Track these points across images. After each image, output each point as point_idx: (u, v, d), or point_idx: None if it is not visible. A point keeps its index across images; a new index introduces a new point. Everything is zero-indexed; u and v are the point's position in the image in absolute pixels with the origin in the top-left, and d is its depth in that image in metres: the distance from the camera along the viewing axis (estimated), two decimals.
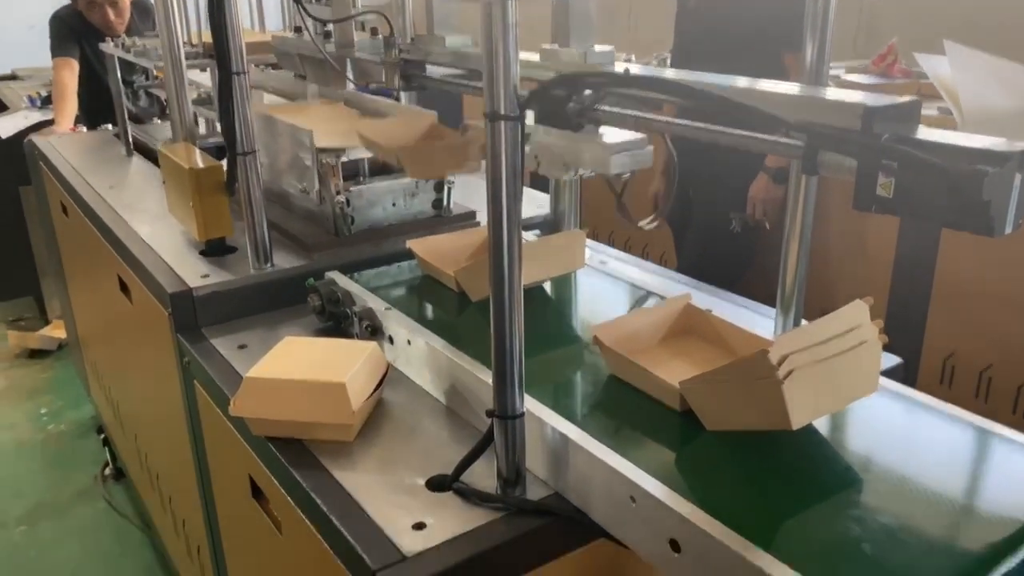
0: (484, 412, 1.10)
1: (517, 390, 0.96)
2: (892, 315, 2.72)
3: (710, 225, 2.85)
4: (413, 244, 1.51)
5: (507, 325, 0.93)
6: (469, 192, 1.84)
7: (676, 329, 1.18)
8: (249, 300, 1.53)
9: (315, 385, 1.10)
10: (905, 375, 1.26)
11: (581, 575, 1.02)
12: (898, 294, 2.70)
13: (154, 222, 1.83)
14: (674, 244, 3.14)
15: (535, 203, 1.90)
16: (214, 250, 1.64)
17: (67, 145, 2.66)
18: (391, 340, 1.32)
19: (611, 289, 1.52)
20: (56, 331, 3.96)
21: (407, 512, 0.99)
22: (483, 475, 1.03)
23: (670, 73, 1.01)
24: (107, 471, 2.97)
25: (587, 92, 0.97)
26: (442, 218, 1.72)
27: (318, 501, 1.02)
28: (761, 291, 3.05)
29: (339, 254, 1.61)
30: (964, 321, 2.54)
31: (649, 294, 1.47)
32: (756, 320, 1.39)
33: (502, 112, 0.85)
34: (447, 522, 0.97)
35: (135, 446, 2.25)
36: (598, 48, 1.14)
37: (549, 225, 1.77)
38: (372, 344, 1.21)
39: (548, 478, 1.03)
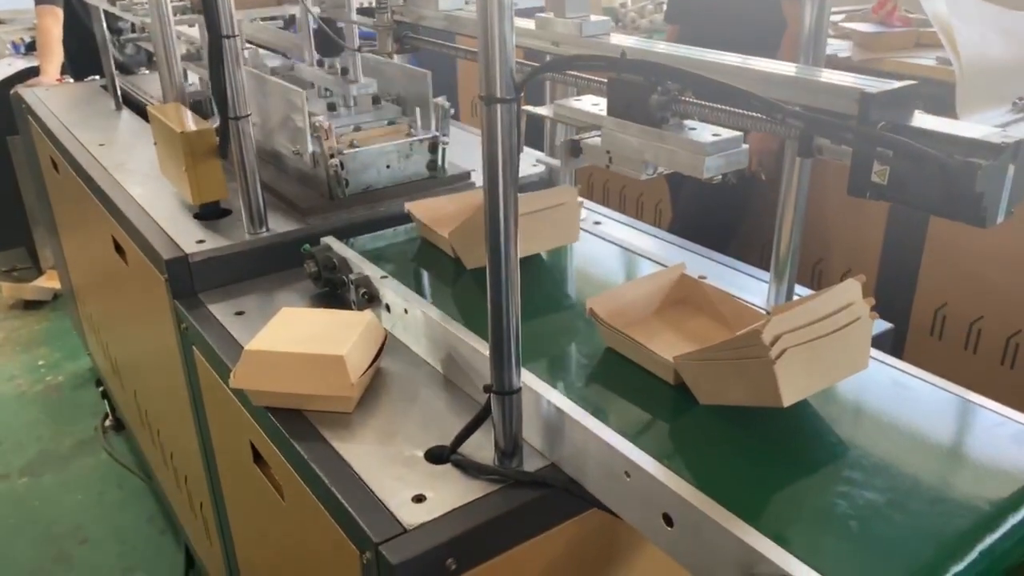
0: (481, 385, 1.12)
1: (514, 366, 0.98)
2: (884, 267, 2.75)
3: (700, 188, 2.85)
4: (412, 206, 1.51)
5: (504, 304, 0.94)
6: (463, 152, 1.83)
7: (671, 299, 1.19)
8: (244, 265, 1.53)
9: (314, 358, 1.11)
10: (895, 337, 1.28)
11: (575, 543, 1.05)
12: (891, 246, 2.72)
13: (146, 183, 1.82)
14: (670, 196, 3.14)
15: (528, 160, 1.89)
16: (208, 213, 1.63)
17: (54, 98, 2.63)
18: (388, 308, 1.33)
19: (606, 255, 1.52)
20: (50, 281, 3.96)
21: (406, 484, 1.01)
22: (480, 446, 1.05)
23: (665, 52, 0.99)
24: (107, 422, 3.01)
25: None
26: (437, 179, 1.72)
27: (319, 473, 1.04)
28: (757, 242, 3.07)
29: (333, 217, 1.61)
30: (955, 274, 2.56)
31: (642, 259, 1.48)
32: (750, 285, 1.41)
33: (498, 95, 0.85)
34: (446, 494, 1.00)
35: (135, 402, 2.27)
36: (593, 18, 1.13)
37: (546, 183, 1.76)
38: (369, 314, 1.22)
39: (544, 449, 1.06)
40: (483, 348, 1.13)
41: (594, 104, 1.11)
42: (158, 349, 1.76)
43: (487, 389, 1.00)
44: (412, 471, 1.04)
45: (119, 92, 2.46)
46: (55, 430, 3.04)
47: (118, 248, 1.85)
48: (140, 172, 1.90)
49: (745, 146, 0.98)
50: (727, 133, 0.97)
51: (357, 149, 1.61)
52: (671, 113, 0.99)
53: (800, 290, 1.30)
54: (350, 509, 0.98)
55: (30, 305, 3.92)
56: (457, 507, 0.98)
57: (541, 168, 1.84)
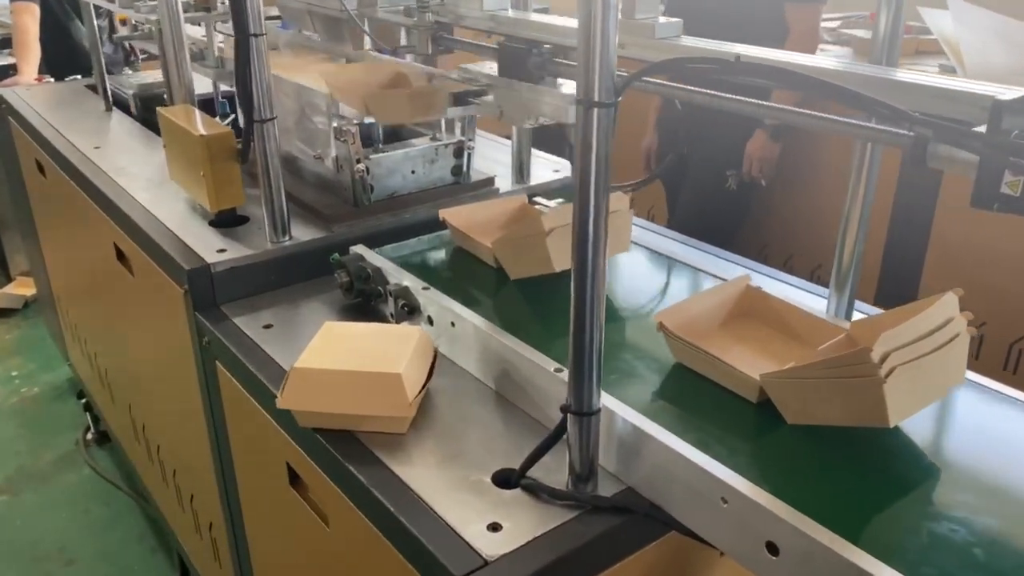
0: (541, 402, 1.07)
1: (595, 385, 0.92)
2: (886, 271, 2.74)
3: (705, 182, 2.82)
4: (446, 214, 1.45)
5: (588, 319, 0.89)
6: (480, 157, 1.78)
7: (737, 312, 1.15)
8: (268, 275, 1.46)
9: (369, 376, 1.05)
10: None
11: (654, 570, 1.00)
12: (894, 250, 2.72)
13: (153, 188, 1.74)
14: (666, 200, 3.11)
15: (551, 167, 1.85)
16: (224, 221, 1.56)
17: (38, 98, 2.51)
18: (430, 321, 1.27)
19: (642, 262, 1.48)
20: (20, 288, 3.81)
21: (477, 511, 0.95)
22: (548, 469, 1.00)
23: (774, 58, 0.95)
24: (90, 435, 2.89)
25: None
26: (461, 185, 1.66)
27: (382, 499, 0.97)
28: (754, 246, 3.06)
29: (359, 225, 1.55)
30: (959, 278, 2.56)
31: (683, 266, 1.43)
32: (801, 297, 1.37)
33: (597, 99, 0.79)
34: (522, 522, 0.94)
35: (128, 416, 2.17)
36: (662, 20, 1.08)
37: (570, 191, 1.71)
38: (419, 329, 1.16)
39: (619, 471, 1.00)
40: (545, 363, 1.07)
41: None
42: (167, 362, 1.67)
43: (565, 409, 0.94)
44: (481, 497, 0.98)
45: (110, 93, 2.36)
46: (34, 444, 2.91)
47: (120, 256, 1.76)
48: (143, 177, 1.81)
49: None
50: None
51: (383, 154, 1.55)
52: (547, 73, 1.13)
53: (820, 293, 1.26)
54: (422, 539, 0.92)
55: (0, 313, 3.77)
56: (536, 536, 0.92)
57: (560, 175, 1.80)
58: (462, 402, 1.15)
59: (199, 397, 1.50)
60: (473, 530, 0.92)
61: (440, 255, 1.49)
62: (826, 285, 1.26)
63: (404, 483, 1.00)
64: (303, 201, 1.60)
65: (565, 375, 1.04)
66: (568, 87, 1.24)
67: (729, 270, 1.49)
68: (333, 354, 1.10)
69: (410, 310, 1.30)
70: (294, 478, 1.22)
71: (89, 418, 2.90)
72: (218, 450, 1.51)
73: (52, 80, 3.08)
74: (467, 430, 1.09)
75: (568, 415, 0.94)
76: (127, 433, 2.28)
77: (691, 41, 1.09)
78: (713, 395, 1.04)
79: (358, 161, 1.50)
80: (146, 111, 2.24)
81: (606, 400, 1.00)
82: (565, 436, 0.96)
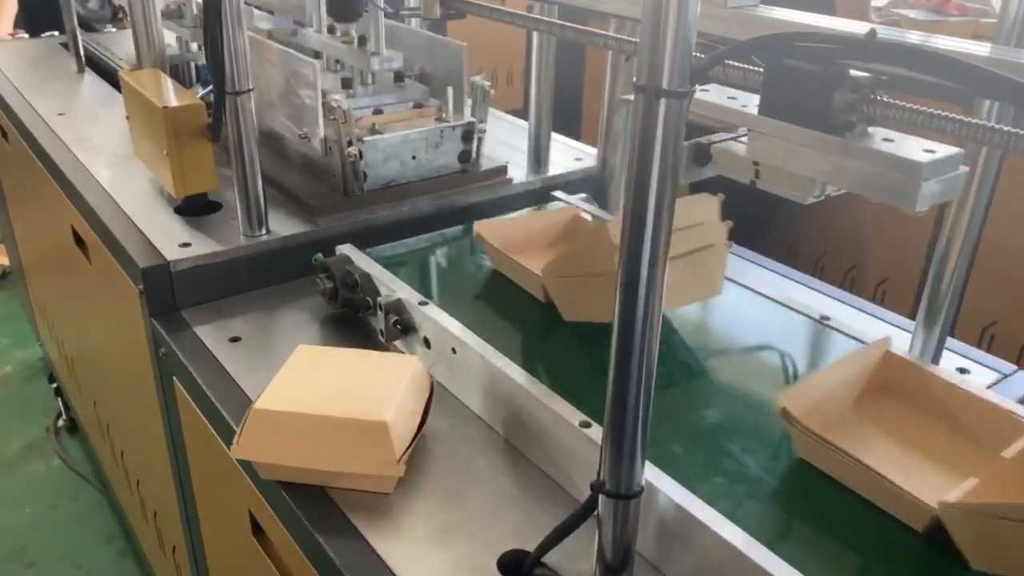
0: (557, 456, 0.86)
1: (638, 460, 0.71)
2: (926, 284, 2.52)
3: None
4: (483, 230, 1.20)
5: (635, 378, 0.67)
6: (495, 138, 1.55)
7: (873, 386, 0.93)
8: (239, 276, 1.24)
9: (347, 424, 0.84)
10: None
11: None
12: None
13: (116, 164, 1.51)
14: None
15: (571, 154, 1.62)
16: (193, 207, 1.33)
17: (6, 56, 2.28)
18: (427, 343, 1.05)
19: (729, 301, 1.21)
20: None
21: None
22: (568, 551, 0.79)
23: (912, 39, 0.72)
24: (60, 422, 2.69)
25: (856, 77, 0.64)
26: (469, 174, 1.43)
27: None
28: (782, 246, 2.83)
29: (349, 218, 1.32)
30: (1009, 290, 2.34)
31: (772, 304, 1.17)
32: (884, 330, 1.15)
33: (665, 86, 0.57)
34: None
35: (94, 412, 1.97)
36: None
37: (594, 184, 1.49)
38: (413, 360, 0.94)
39: (658, 559, 0.79)
40: (568, 415, 0.86)
41: (730, 98, 0.83)
42: (127, 368, 1.46)
43: (597, 488, 0.73)
44: None
45: (82, 52, 2.12)
46: (1, 429, 2.71)
47: (79, 240, 1.55)
48: (108, 150, 1.58)
49: (964, 168, 0.72)
50: (943, 149, 0.70)
51: (379, 136, 1.32)
52: (858, 117, 0.72)
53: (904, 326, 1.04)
54: None
55: None
56: None
57: (583, 163, 1.57)
58: (462, 451, 0.94)
59: (158, 414, 1.29)
60: None
61: (444, 259, 1.27)
62: (860, 290, 1.04)
63: (386, 566, 0.79)
64: (286, 187, 1.38)
65: (593, 433, 0.83)
66: (904, 146, 0.72)
67: (783, 287, 1.27)
68: (304, 390, 0.88)
69: (403, 328, 1.08)
70: (257, 529, 1.02)
71: (60, 403, 2.69)
72: (179, 475, 1.30)
73: (27, 36, 2.84)
74: (468, 490, 0.88)
75: (601, 495, 0.73)
76: (93, 429, 2.08)
77: (767, 11, 0.87)
78: (857, 513, 0.80)
79: (350, 143, 1.28)
80: None
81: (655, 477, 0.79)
82: (595, 515, 0.75)
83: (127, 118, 1.44)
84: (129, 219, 1.31)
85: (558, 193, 1.42)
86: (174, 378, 1.17)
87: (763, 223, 2.72)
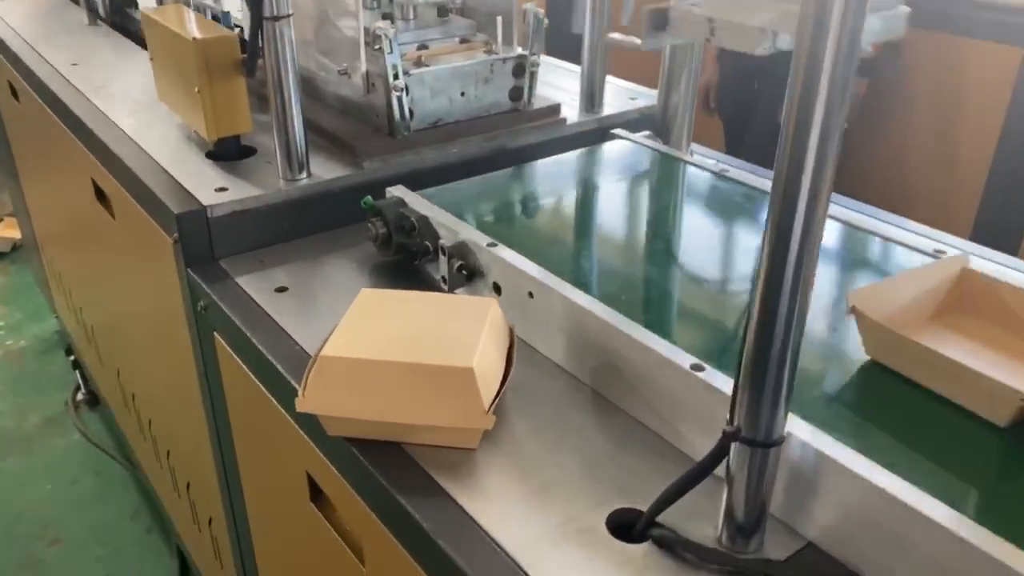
0: (661, 405, 0.76)
1: (783, 403, 0.61)
2: (978, 233, 2.40)
3: (776, 122, 2.48)
4: (859, 302, 0.79)
5: (784, 310, 0.57)
6: (544, 82, 1.44)
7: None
8: (280, 222, 1.14)
9: (428, 371, 0.74)
10: None
11: None
12: (989, 211, 2.38)
13: (138, 112, 1.41)
14: (725, 141, 2.76)
15: (625, 94, 1.51)
16: (226, 152, 1.23)
17: (11, 9, 2.16)
18: (497, 289, 0.95)
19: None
20: (8, 230, 3.50)
21: None
22: (682, 511, 0.69)
23: None
24: (80, 396, 2.60)
25: None
26: (521, 113, 1.32)
27: (451, 554, 0.67)
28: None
29: (395, 160, 1.22)
30: None
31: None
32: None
33: None
34: None
35: (117, 382, 1.87)
36: None
37: (655, 122, 1.38)
38: (492, 303, 0.84)
39: (790, 517, 0.69)
40: (676, 356, 0.76)
41: None
42: (157, 328, 1.36)
43: (731, 436, 0.63)
44: (595, 554, 0.67)
45: (95, 4, 2.00)
46: (18, 405, 2.62)
47: (100, 195, 1.44)
48: (129, 98, 1.47)
49: (904, 8, 0.69)
50: None
51: (426, 69, 1.21)
52: None
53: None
54: None
55: None
56: None
57: (638, 103, 1.46)
58: (548, 405, 0.84)
59: (194, 374, 1.20)
60: None
61: (503, 200, 1.16)
62: None
63: (480, 529, 0.69)
64: (325, 130, 1.27)
65: (708, 378, 0.73)
66: None
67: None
68: (375, 336, 0.78)
69: (469, 274, 0.98)
70: (317, 493, 0.92)
71: (79, 376, 2.60)
72: (218, 440, 1.21)
73: None
74: (560, 446, 0.78)
75: (734, 443, 0.63)
76: (118, 400, 1.98)
77: None
78: (931, 411, 0.72)
79: (395, 76, 1.17)
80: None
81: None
82: (726, 466, 0.65)
83: (151, 60, 1.33)
84: (158, 165, 1.20)
85: (619, 131, 1.31)
86: (215, 334, 1.07)
87: None
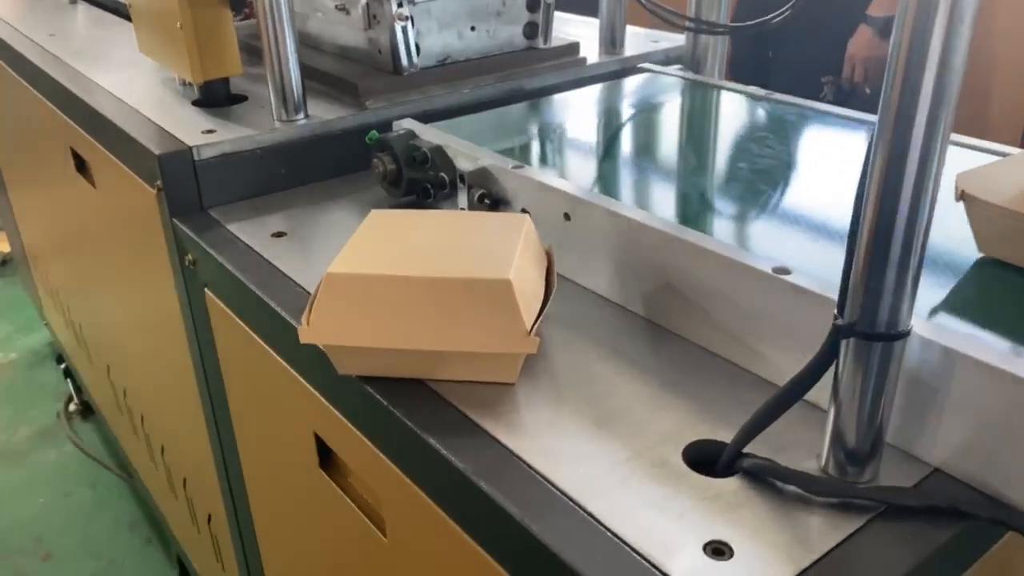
0: (735, 324, 0.63)
1: (908, 288, 0.48)
2: None
3: (794, 91, 2.37)
4: (967, 183, 0.68)
5: (912, 174, 0.45)
6: (559, 33, 1.32)
7: None
8: (275, 168, 1.02)
9: (457, 286, 0.61)
10: None
11: None
12: None
13: (120, 70, 1.29)
14: None
15: (646, 38, 1.39)
16: (214, 98, 1.11)
17: None
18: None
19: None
20: None
21: (677, 518, 0.52)
22: (767, 442, 0.56)
23: None
24: (72, 406, 2.47)
25: None
26: (537, 51, 1.21)
27: (498, 498, 0.54)
28: None
29: (399, 100, 1.10)
30: None
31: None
32: None
33: None
34: (762, 539, 0.50)
35: (107, 380, 1.74)
36: None
37: (683, 62, 1.26)
38: (524, 218, 0.72)
39: (905, 442, 0.57)
40: (754, 262, 0.63)
41: None
42: (143, 301, 1.24)
43: (846, 330, 0.50)
44: (676, 490, 0.54)
45: None
46: (8, 418, 2.49)
47: (79, 165, 1.32)
48: (108, 60, 1.36)
49: None
50: None
51: (432, 0, 1.10)
52: None
53: None
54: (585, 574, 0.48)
55: None
56: (805, 569, 0.49)
57: (663, 46, 1.34)
58: (594, 337, 0.71)
59: (185, 343, 1.07)
60: (682, 557, 0.49)
61: (523, 130, 1.04)
62: None
63: (531, 468, 0.56)
64: (323, 72, 1.15)
65: (797, 279, 0.60)
66: None
67: None
68: (391, 251, 0.66)
69: (493, 202, 0.86)
70: (326, 458, 0.79)
71: (71, 386, 2.47)
72: (214, 416, 1.08)
73: None
74: (614, 377, 0.66)
75: (850, 340, 0.50)
76: (108, 402, 1.86)
77: None
78: None
79: (399, 5, 1.05)
80: None
81: None
82: (834, 374, 0.52)
83: (129, 7, 1.21)
84: (139, 114, 1.08)
85: (647, 64, 1.19)
86: (205, 290, 0.94)
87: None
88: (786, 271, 0.61)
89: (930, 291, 0.64)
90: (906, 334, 0.50)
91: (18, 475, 2.26)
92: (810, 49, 2.29)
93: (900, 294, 0.48)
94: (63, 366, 2.46)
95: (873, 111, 0.92)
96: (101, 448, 2.30)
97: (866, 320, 0.49)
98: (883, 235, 0.47)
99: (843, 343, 0.51)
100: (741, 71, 2.51)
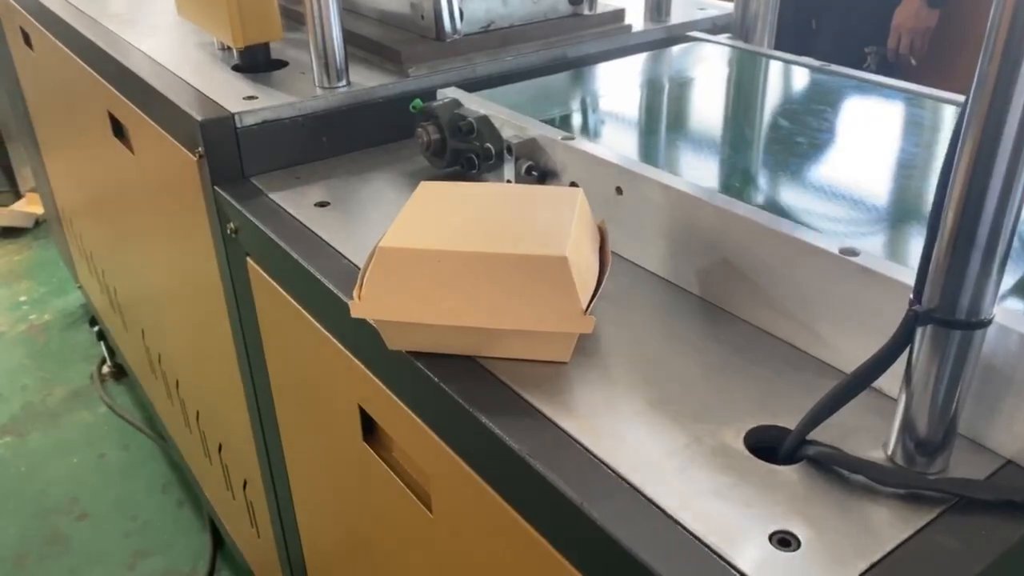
0: (798, 307, 0.61)
1: (994, 275, 0.46)
2: None
3: (838, 62, 2.31)
4: None
5: (1008, 147, 0.42)
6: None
7: None
8: (316, 136, 1.00)
9: (511, 262, 0.60)
10: None
11: None
12: None
13: (158, 34, 1.28)
14: None
15: (693, 4, 1.35)
16: (253, 63, 1.09)
17: None
18: None
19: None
20: (31, 206, 3.40)
21: (741, 507, 0.50)
22: (831, 430, 0.55)
23: None
24: (105, 369, 2.50)
25: None
26: (582, 18, 1.18)
27: (554, 481, 0.53)
28: None
29: (443, 67, 1.08)
30: None
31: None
32: None
33: None
34: (831, 529, 0.49)
35: (142, 344, 1.75)
36: None
37: (732, 30, 1.23)
38: (577, 192, 0.70)
39: (978, 430, 0.55)
40: (820, 242, 0.61)
41: None
42: (182, 268, 1.24)
43: (923, 317, 0.48)
44: (740, 478, 0.53)
45: None
46: (42, 379, 2.52)
47: (117, 130, 1.32)
48: (146, 23, 1.34)
49: None
50: None
51: None
52: None
53: None
54: (649, 563, 0.47)
55: (8, 233, 3.36)
56: (875, 562, 0.47)
57: (711, 13, 1.31)
58: (648, 316, 0.69)
59: (225, 311, 1.07)
60: (747, 547, 0.48)
61: (569, 99, 1.02)
62: None
63: (587, 451, 0.55)
64: (365, 38, 1.13)
65: (865, 260, 0.58)
66: None
67: None
68: (443, 226, 0.64)
69: (541, 175, 0.84)
70: (370, 429, 0.79)
71: (104, 348, 2.50)
72: (252, 385, 1.08)
73: None
74: (670, 362, 0.64)
75: (927, 328, 0.48)
76: (143, 365, 1.87)
77: None
78: None
79: None
80: None
81: None
82: (907, 361, 0.50)
83: None
84: (179, 79, 1.07)
85: (695, 33, 1.16)
86: (247, 259, 0.94)
87: None
88: (854, 252, 0.59)
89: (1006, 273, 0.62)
90: (988, 323, 0.48)
91: (53, 436, 2.29)
92: (854, 18, 2.23)
93: (985, 281, 0.46)
94: (96, 328, 2.48)
95: (919, 82, 0.88)
96: (134, 410, 2.33)
97: (946, 306, 0.47)
98: (970, 218, 0.45)
99: (919, 330, 0.49)
100: (784, 40, 2.45)
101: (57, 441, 2.27)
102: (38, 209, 3.32)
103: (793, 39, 2.42)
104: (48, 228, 3.11)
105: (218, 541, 1.86)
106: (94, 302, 2.33)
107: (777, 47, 2.49)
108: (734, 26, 1.21)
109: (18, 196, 3.52)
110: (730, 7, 1.28)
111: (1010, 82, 0.41)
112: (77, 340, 2.67)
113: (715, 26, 1.28)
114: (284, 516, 1.17)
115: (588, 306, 0.60)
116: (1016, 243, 0.63)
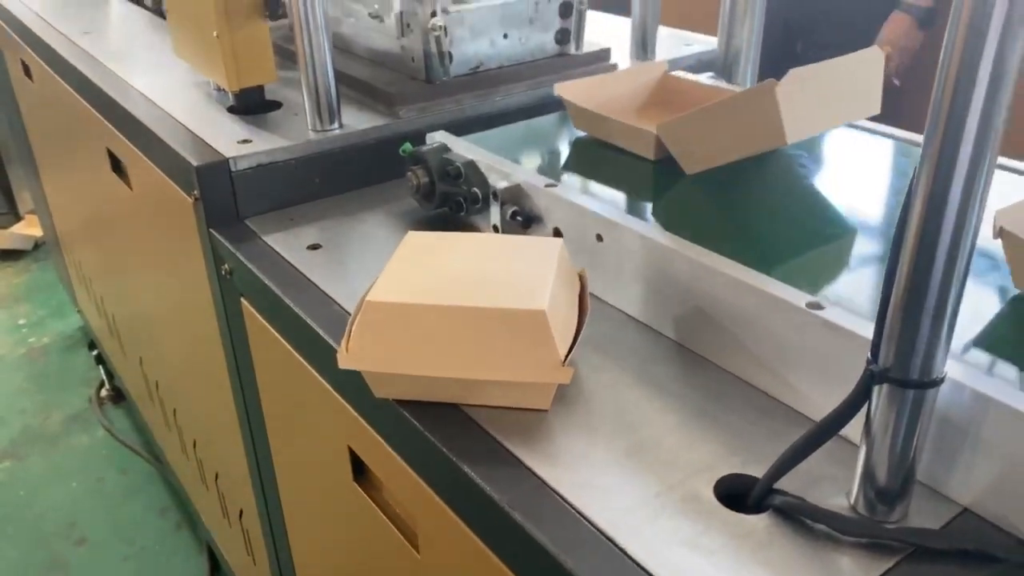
0: (768, 355, 0.64)
1: (944, 337, 0.49)
2: None
3: None
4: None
5: (952, 218, 0.45)
6: (593, 33, 1.32)
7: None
8: (310, 177, 1.03)
9: (493, 316, 0.62)
10: None
11: None
12: None
13: (154, 72, 1.31)
14: None
15: (679, 42, 1.39)
16: (248, 105, 1.12)
17: None
18: (557, 235, 0.83)
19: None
20: (30, 228, 3.43)
21: (709, 557, 0.53)
22: (799, 478, 0.57)
23: None
24: (103, 392, 2.52)
25: None
26: (569, 57, 1.21)
27: (534, 533, 0.55)
28: None
29: (433, 109, 1.11)
30: None
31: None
32: None
33: None
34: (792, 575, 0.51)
35: (141, 371, 1.78)
36: None
37: (715, 68, 1.26)
38: (557, 243, 0.73)
39: (935, 479, 0.57)
40: (788, 295, 0.64)
41: None
42: (178, 303, 1.26)
43: (879, 376, 0.51)
44: (708, 526, 0.55)
45: None
46: (41, 402, 2.54)
47: (116, 166, 1.35)
48: (144, 60, 1.38)
49: None
50: None
51: (466, 6, 1.10)
52: None
53: None
54: None
55: (8, 256, 3.39)
56: None
57: (697, 49, 1.34)
58: (626, 362, 0.72)
59: (220, 348, 1.09)
60: None
61: (553, 145, 1.05)
62: None
63: (563, 500, 0.58)
64: (356, 79, 1.16)
65: (830, 315, 0.61)
66: None
67: None
68: (428, 279, 0.67)
69: (525, 220, 0.87)
70: (360, 471, 0.81)
71: (103, 372, 2.52)
72: (248, 419, 1.11)
73: None
74: (645, 405, 0.67)
75: (883, 386, 0.51)
76: (141, 392, 1.89)
77: None
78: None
79: (433, 14, 1.06)
80: None
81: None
82: (866, 415, 0.53)
83: (166, 12, 1.23)
84: (175, 120, 1.10)
85: (677, 72, 1.19)
86: (241, 300, 0.96)
87: None
88: (819, 306, 0.62)
89: (965, 327, 0.64)
90: (940, 382, 0.50)
91: (52, 459, 2.31)
92: (840, 34, 2.26)
93: (935, 343, 0.49)
94: (95, 352, 2.51)
95: (901, 104, 0.91)
96: (132, 434, 2.35)
97: (900, 367, 0.50)
98: (919, 286, 0.47)
99: (876, 387, 0.51)
100: (768, 64, 2.49)
101: (56, 465, 2.29)
102: (37, 231, 3.35)
103: (779, 62, 2.45)
104: (47, 251, 3.14)
105: (215, 565, 1.88)
106: (93, 327, 2.36)
107: (762, 71, 2.52)
108: (717, 63, 1.24)
109: (17, 218, 3.55)
110: (716, 42, 1.31)
111: (951, 166, 0.44)
112: (76, 363, 2.70)
113: (700, 62, 1.31)
114: (279, 546, 1.20)
115: (566, 357, 0.63)
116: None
